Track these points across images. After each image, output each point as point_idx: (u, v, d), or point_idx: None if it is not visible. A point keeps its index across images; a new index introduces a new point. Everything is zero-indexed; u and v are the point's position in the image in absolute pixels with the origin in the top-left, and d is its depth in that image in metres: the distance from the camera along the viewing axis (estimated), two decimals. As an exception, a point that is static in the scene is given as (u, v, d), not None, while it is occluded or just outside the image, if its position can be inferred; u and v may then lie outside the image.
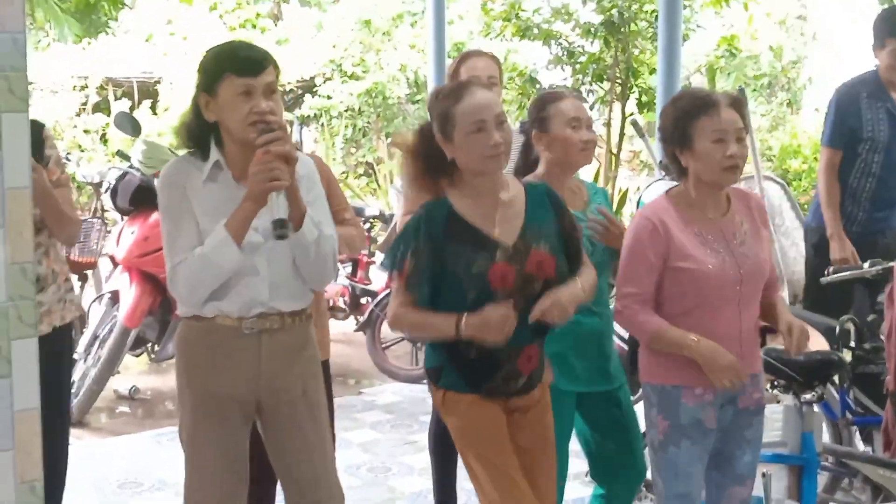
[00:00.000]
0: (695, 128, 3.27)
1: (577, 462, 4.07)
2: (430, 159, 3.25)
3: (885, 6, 11.97)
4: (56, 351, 3.73)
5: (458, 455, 3.47)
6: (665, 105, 3.44)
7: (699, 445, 3.37)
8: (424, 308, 3.23)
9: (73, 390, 6.24)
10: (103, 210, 6.95)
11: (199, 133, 3.19)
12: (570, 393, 3.63)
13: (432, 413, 4.42)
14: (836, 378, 4.30)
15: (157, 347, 6.68)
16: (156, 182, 6.11)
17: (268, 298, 3.20)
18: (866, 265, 4.27)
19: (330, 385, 4.02)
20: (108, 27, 14.69)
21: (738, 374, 3.25)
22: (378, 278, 7.95)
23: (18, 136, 2.44)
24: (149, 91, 12.74)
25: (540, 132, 3.68)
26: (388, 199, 11.04)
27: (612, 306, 3.69)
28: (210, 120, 3.16)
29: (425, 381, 7.65)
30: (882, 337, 4.12)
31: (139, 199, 6.37)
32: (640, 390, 3.55)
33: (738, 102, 3.32)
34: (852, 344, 4.47)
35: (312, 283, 3.31)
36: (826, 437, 4.39)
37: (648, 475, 4.07)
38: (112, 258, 6.53)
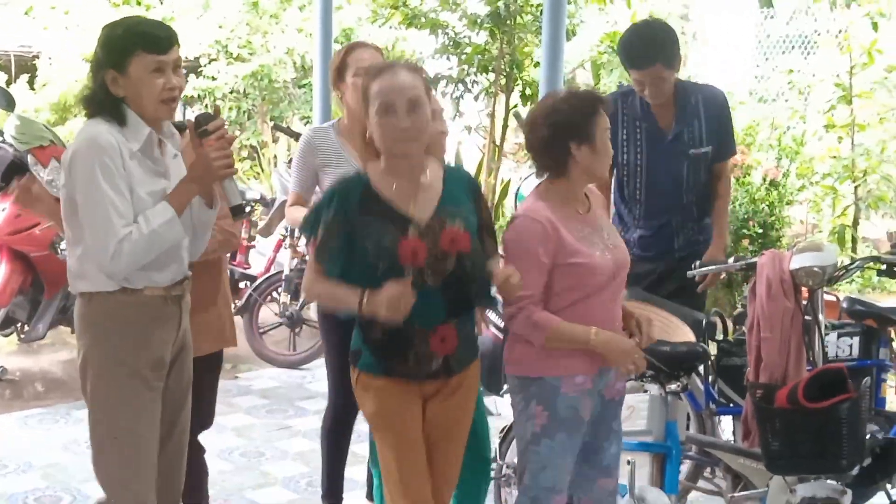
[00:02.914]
0: (594, 123, 3.34)
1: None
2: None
3: (764, 9, 12.30)
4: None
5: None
6: (556, 100, 3.46)
7: (573, 438, 3.44)
8: (335, 280, 3.23)
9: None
10: (-26, 186, 6.73)
11: (107, 104, 3.18)
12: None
13: (329, 399, 4.41)
14: (700, 369, 4.42)
15: (27, 328, 6.52)
16: (30, 158, 6.05)
17: (186, 266, 3.35)
18: (731, 260, 4.39)
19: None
20: (-14, -2, 14.26)
21: (640, 356, 3.37)
22: (257, 263, 7.89)
23: None
24: (26, 66, 12.37)
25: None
26: (272, 182, 10.96)
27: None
28: (118, 95, 3.16)
29: (303, 366, 7.65)
30: (745, 330, 4.25)
31: (11, 175, 6.22)
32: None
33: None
34: (719, 337, 4.59)
35: (197, 253, 3.46)
36: (692, 427, 4.52)
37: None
38: (-19, 235, 6.35)
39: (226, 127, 3.22)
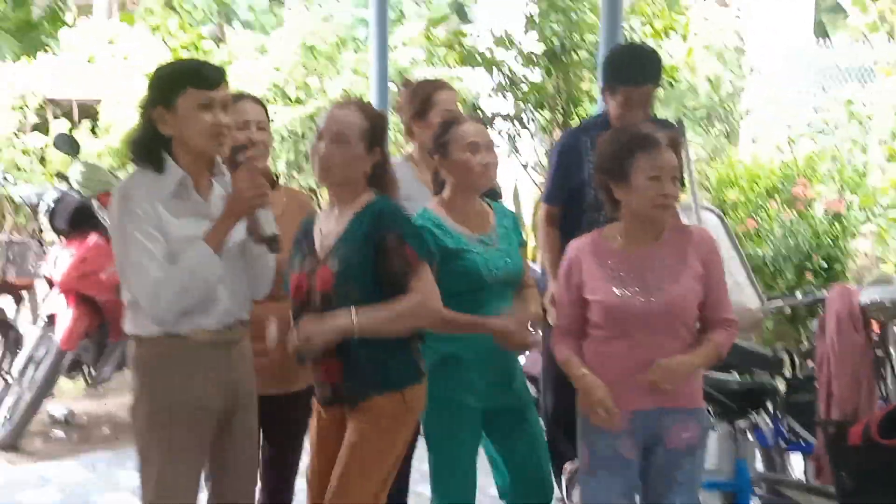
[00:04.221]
0: (633, 164, 3.33)
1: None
2: None
3: (821, 38, 12.24)
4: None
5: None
6: (603, 138, 3.49)
7: (619, 477, 3.38)
8: None
9: (6, 414, 6.16)
10: (41, 231, 6.85)
11: (152, 147, 3.21)
12: (476, 410, 3.66)
13: None
14: (769, 405, 4.36)
15: (93, 371, 6.59)
16: (95, 204, 6.15)
17: (235, 309, 3.31)
18: (798, 295, 4.34)
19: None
20: (48, 46, 14.53)
21: (608, 409, 3.30)
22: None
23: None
24: (89, 111, 12.59)
25: (441, 157, 3.73)
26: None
27: None
28: (166, 133, 3.19)
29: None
30: (814, 366, 4.20)
31: (77, 221, 6.31)
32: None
33: (675, 143, 3.38)
34: (787, 373, 4.54)
35: (258, 293, 3.44)
36: (760, 464, 4.46)
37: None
38: (49, 280, 6.44)
39: (262, 159, 3.32)
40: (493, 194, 6.62)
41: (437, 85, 4.40)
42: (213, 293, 3.23)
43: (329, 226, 3.44)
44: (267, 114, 3.94)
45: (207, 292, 3.20)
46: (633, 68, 4.51)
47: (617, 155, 3.37)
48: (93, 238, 6.26)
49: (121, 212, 3.16)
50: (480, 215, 3.76)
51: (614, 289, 3.36)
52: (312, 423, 3.57)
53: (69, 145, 6.71)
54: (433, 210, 3.72)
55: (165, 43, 14.24)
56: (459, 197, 3.71)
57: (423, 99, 4.29)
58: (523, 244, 3.87)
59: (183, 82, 3.16)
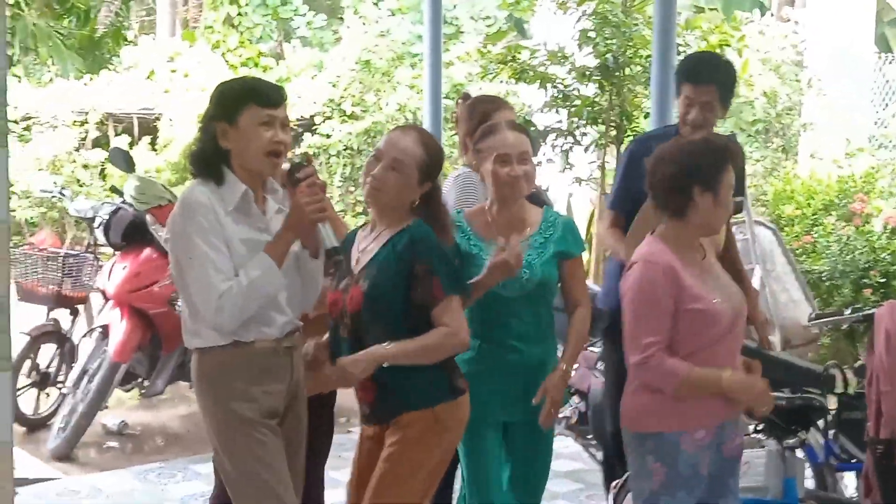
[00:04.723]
0: (721, 175, 3.33)
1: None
2: None
3: (883, 53, 12.06)
4: None
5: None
6: (690, 141, 3.47)
7: (692, 495, 3.37)
8: None
9: (60, 424, 6.25)
10: (96, 245, 6.96)
11: (213, 161, 3.30)
12: (497, 423, 3.73)
13: None
14: (819, 423, 4.30)
15: (147, 383, 6.67)
16: (148, 218, 6.24)
17: (293, 317, 3.43)
18: (847, 311, 4.28)
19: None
20: (111, 64, 14.77)
21: (771, 398, 3.37)
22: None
23: (-2, 171, 2.48)
24: (149, 127, 12.78)
25: (477, 164, 3.81)
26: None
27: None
28: (225, 148, 3.27)
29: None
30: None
31: (131, 235, 6.40)
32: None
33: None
34: (839, 389, 4.47)
35: (309, 303, 3.53)
36: (812, 483, 4.40)
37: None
38: (103, 293, 6.53)
39: (316, 174, 3.33)
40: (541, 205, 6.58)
41: (497, 104, 4.42)
42: (274, 303, 3.33)
43: (367, 245, 3.52)
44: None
45: (269, 303, 3.29)
46: (696, 66, 4.53)
47: (712, 164, 3.34)
48: (146, 252, 6.35)
49: (185, 221, 3.23)
50: (521, 223, 3.76)
51: (712, 296, 3.33)
52: (358, 439, 3.66)
53: (123, 160, 6.82)
54: (465, 214, 3.82)
55: (225, 60, 14.43)
56: (497, 203, 3.77)
57: (480, 118, 4.28)
58: (568, 255, 3.82)
59: (246, 99, 3.25)
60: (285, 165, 3.37)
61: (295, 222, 3.29)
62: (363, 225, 3.63)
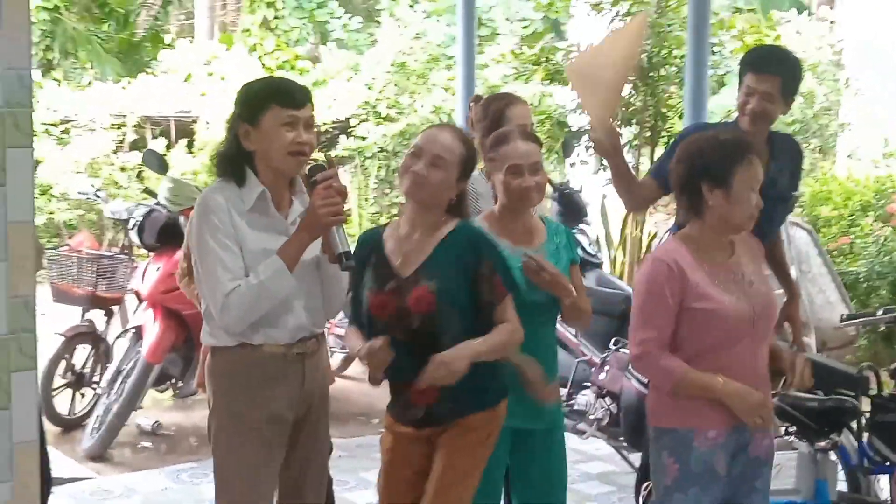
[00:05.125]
0: (736, 171, 3.27)
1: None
2: None
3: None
4: None
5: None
6: (701, 138, 3.40)
7: (708, 494, 3.33)
8: (355, 327, 3.50)
9: (94, 424, 6.30)
10: (131, 246, 7.01)
11: (236, 161, 3.29)
12: (506, 429, 3.63)
13: None
14: (853, 425, 4.25)
15: (180, 384, 6.71)
16: (181, 219, 6.27)
17: (309, 323, 3.35)
18: (879, 312, 4.23)
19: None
20: (149, 67, 14.90)
21: (768, 410, 3.29)
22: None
23: (22, 171, 2.50)
24: (186, 130, 12.87)
25: (489, 173, 3.80)
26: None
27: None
28: (249, 149, 3.26)
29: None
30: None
31: (165, 236, 6.44)
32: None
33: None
34: (873, 391, 4.42)
35: (333, 310, 3.50)
36: (845, 486, 4.35)
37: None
38: (137, 294, 6.58)
39: (337, 177, 3.27)
40: (577, 209, 6.55)
41: (510, 100, 4.37)
42: (285, 307, 3.27)
43: (407, 245, 3.43)
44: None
45: (279, 306, 3.24)
46: (761, 56, 4.42)
47: (721, 160, 3.27)
48: (179, 253, 6.37)
49: (200, 221, 3.24)
50: (529, 232, 3.74)
51: (723, 295, 3.30)
52: (385, 440, 3.57)
53: (157, 162, 6.86)
54: (479, 221, 3.74)
55: (262, 63, 14.51)
56: (505, 212, 3.72)
57: (494, 116, 4.26)
58: (575, 262, 3.81)
59: (268, 100, 3.23)
60: (305, 168, 3.36)
61: (308, 224, 3.24)
62: (384, 226, 3.59)
